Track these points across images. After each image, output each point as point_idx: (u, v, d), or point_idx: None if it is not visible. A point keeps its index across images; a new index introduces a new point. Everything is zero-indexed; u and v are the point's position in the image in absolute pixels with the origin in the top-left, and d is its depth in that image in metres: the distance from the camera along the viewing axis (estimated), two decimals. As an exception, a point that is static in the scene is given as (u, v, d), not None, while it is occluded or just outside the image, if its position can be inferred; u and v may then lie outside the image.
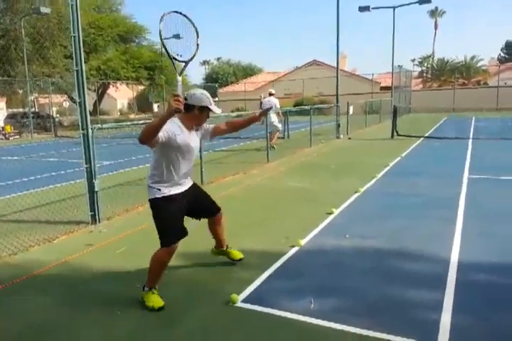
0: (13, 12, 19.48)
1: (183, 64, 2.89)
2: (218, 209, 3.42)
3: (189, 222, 3.19)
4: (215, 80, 45.96)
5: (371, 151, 10.72)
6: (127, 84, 29.90)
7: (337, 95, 14.56)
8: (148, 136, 2.56)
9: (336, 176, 7.43)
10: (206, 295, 3.10)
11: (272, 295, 3.05)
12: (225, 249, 3.62)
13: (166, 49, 2.74)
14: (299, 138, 13.54)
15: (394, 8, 20.10)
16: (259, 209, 5.41)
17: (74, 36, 4.57)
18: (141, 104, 43.41)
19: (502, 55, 50.44)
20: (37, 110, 25.91)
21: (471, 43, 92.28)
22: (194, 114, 2.90)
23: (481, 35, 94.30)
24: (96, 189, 4.99)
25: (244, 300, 2.98)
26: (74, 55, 4.60)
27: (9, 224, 5.06)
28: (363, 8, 19.10)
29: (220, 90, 42.31)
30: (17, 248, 4.21)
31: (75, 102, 25.56)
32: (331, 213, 5.02)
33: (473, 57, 40.28)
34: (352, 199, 5.74)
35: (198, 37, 2.94)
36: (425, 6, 19.49)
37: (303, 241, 4.09)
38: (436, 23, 53.81)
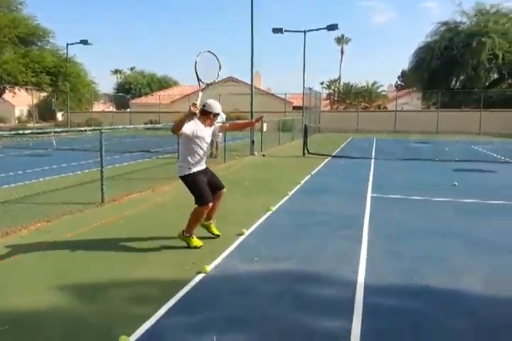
0: None
1: (205, 85, 4.42)
2: (223, 186, 4.71)
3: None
4: (127, 90, 44.18)
5: (284, 168, 10.86)
6: (26, 89, 27.24)
7: (251, 112, 14.69)
8: (176, 129, 4.06)
9: (249, 194, 7.29)
10: (90, 339, 2.61)
11: (169, 335, 2.68)
12: (210, 222, 4.69)
13: (197, 73, 4.29)
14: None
15: (305, 32, 21.16)
16: (164, 230, 4.99)
17: None
18: (44, 111, 39.93)
19: (399, 82, 56.10)
20: None
21: (373, 70, 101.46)
22: (209, 117, 4.40)
23: (381, 63, 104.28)
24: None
25: (138, 343, 2.57)
26: None
27: None
28: (277, 30, 19.79)
29: (133, 101, 40.72)
30: None
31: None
32: (241, 234, 4.79)
33: (374, 83, 44.15)
34: (264, 218, 5.59)
35: (220, 69, 4.49)
36: (333, 33, 20.87)
37: (209, 267, 3.78)
38: (342, 49, 58.23)
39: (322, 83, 52.87)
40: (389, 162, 12.08)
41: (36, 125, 30.09)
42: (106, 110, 40.06)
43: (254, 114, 14.72)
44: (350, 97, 42.18)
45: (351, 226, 5.22)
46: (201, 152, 4.41)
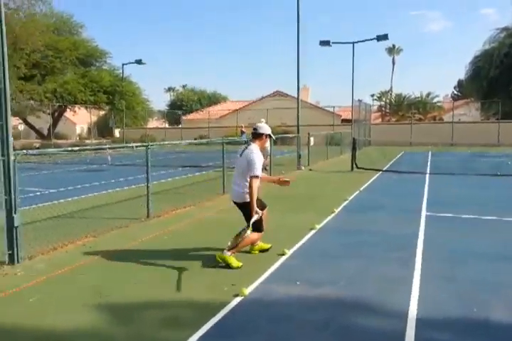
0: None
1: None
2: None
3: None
4: (179, 107, 45.69)
5: (331, 184, 10.52)
6: (86, 107, 28.98)
7: (298, 125, 14.52)
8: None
9: (294, 210, 7.07)
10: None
11: (201, 365, 2.52)
12: (254, 245, 4.70)
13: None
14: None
15: (353, 43, 20.82)
16: (204, 248, 4.89)
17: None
18: (102, 128, 42.19)
19: (455, 92, 53.63)
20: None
21: (427, 80, 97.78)
22: (264, 140, 4.70)
23: (436, 73, 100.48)
24: (16, 224, 4.34)
25: (167, 373, 2.43)
26: (-4, 72, 4.06)
27: None
28: (324, 43, 19.61)
29: (184, 117, 42.01)
30: None
31: (27, 125, 24.43)
32: (283, 254, 4.58)
33: (428, 94, 42.45)
34: (307, 237, 5.34)
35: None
36: (383, 43, 20.37)
37: (248, 290, 3.60)
38: (393, 59, 56.81)
39: (373, 95, 51.69)
40: (446, 177, 11.35)
41: (94, 141, 31.82)
42: (159, 126, 41.63)
43: (301, 128, 14.56)
44: (402, 109, 40.75)
45: (403, 248, 4.84)
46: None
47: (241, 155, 4.51)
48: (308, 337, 2.85)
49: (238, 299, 3.44)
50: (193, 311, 3.25)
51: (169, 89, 66.59)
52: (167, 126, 41.35)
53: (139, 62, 25.98)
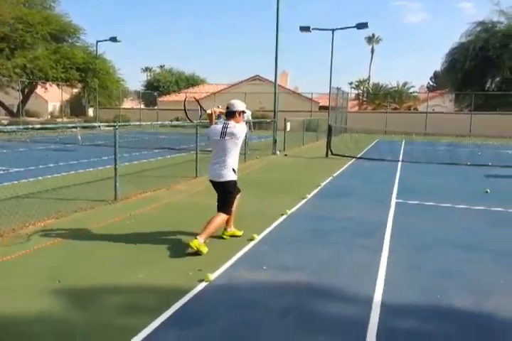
0: None
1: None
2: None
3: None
4: (155, 88, 44.59)
5: (305, 169, 10.51)
6: (58, 85, 27.84)
7: (275, 110, 14.38)
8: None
9: (266, 195, 7.00)
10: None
11: (159, 353, 2.43)
12: (227, 230, 4.60)
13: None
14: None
15: (333, 30, 20.61)
16: (171, 232, 4.77)
17: None
18: (76, 107, 40.79)
19: (431, 83, 54.41)
20: None
21: (404, 70, 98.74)
22: (237, 117, 4.45)
23: (413, 64, 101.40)
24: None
25: (122, 361, 2.34)
26: None
27: None
28: (304, 28, 19.31)
29: (161, 99, 41.07)
30: None
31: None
32: (251, 239, 4.51)
33: (405, 84, 42.93)
34: (277, 222, 5.30)
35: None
36: (363, 32, 20.27)
37: (214, 275, 3.52)
38: (372, 49, 56.93)
39: (351, 83, 51.77)
40: (417, 165, 11.53)
41: (66, 120, 30.73)
42: (134, 107, 40.60)
43: (278, 113, 14.43)
44: (379, 98, 41.11)
45: (372, 235, 4.86)
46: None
47: (224, 136, 4.30)
48: (271, 323, 2.80)
49: (203, 284, 3.36)
50: (155, 297, 3.15)
51: (146, 69, 64.80)
52: (142, 106, 40.33)
53: (113, 39, 24.95)
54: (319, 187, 7.80)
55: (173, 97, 40.89)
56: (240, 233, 4.65)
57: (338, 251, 4.26)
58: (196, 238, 4.01)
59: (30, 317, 2.79)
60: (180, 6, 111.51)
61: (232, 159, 4.34)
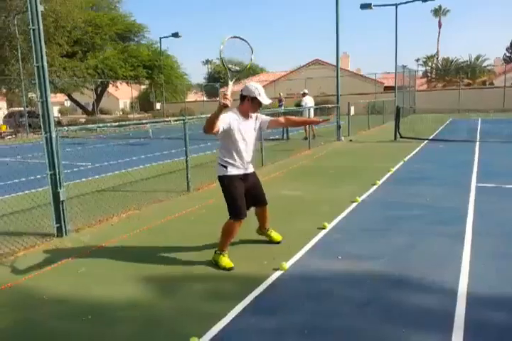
0: (6, 10, 19.02)
1: (236, 73, 3.44)
2: (265, 202, 3.90)
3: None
4: (216, 80, 45.41)
5: (373, 155, 10.16)
6: (127, 83, 29.41)
7: (337, 95, 13.99)
8: (208, 128, 3.20)
9: (334, 182, 6.89)
10: (161, 339, 2.56)
11: (241, 339, 2.52)
12: (266, 230, 4.10)
13: (223, 63, 3.31)
14: (298, 140, 13.01)
15: (396, 5, 19.48)
16: (244, 221, 4.87)
17: (33, 29, 4.06)
18: (144, 103, 42.90)
19: (507, 54, 49.60)
20: (33, 109, 25.48)
21: (476, 43, 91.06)
22: (248, 104, 3.50)
23: (485, 35, 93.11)
24: (62, 198, 4.48)
25: (208, 346, 2.45)
26: (34, 50, 4.09)
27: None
28: (365, 6, 18.45)
29: (222, 89, 41.79)
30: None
31: (73, 101, 25.23)
32: (323, 228, 4.48)
33: (478, 57, 39.62)
34: (348, 210, 5.20)
35: (252, 53, 3.52)
36: (429, 4, 18.89)
37: (288, 264, 3.56)
38: (439, 21, 53.01)
39: (418, 60, 49.00)
40: (497, 145, 10.65)
41: (136, 116, 32.48)
42: (198, 99, 41.74)
43: (340, 97, 14.03)
44: (450, 74, 38.34)
45: (451, 222, 4.59)
46: (243, 150, 3.57)
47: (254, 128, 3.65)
48: (351, 313, 2.78)
49: (278, 273, 3.40)
50: (233, 284, 3.26)
51: (206, 62, 66.07)
52: (205, 99, 41.38)
53: (175, 35, 25.79)
54: (390, 173, 7.50)
55: (234, 88, 41.38)
56: (278, 238, 4.07)
57: (416, 240, 4.09)
58: (215, 252, 3.67)
59: (116, 304, 3.02)
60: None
61: (220, 150, 3.65)
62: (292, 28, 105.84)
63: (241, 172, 3.61)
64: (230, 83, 3.25)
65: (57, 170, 4.38)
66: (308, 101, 13.74)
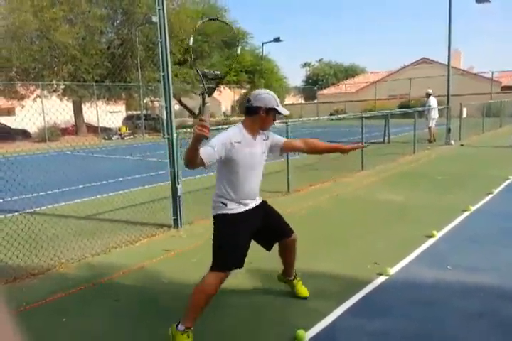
0: (129, 23, 21.35)
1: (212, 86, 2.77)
2: (291, 232, 2.94)
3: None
4: (315, 82, 45.38)
5: (488, 161, 9.32)
6: (229, 87, 30.94)
7: (448, 95, 13.07)
8: (189, 163, 2.31)
9: (442, 190, 6.50)
10: (268, 327, 2.73)
11: (346, 338, 2.57)
12: (292, 279, 3.14)
13: (197, 71, 2.51)
14: (400, 144, 12.46)
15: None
16: (345, 225, 4.88)
17: (160, 41, 4.57)
18: (243, 106, 44.65)
19: None
20: (149, 112, 28.15)
21: None
22: (260, 117, 2.59)
23: None
24: (179, 193, 4.97)
25: (313, 340, 2.55)
26: (160, 60, 4.61)
27: (97, 224, 5.28)
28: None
29: (320, 92, 41.63)
30: (100, 248, 4.33)
31: (182, 105, 27.26)
32: (431, 236, 4.29)
33: None
34: (459, 219, 4.89)
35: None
36: None
37: (392, 270, 3.50)
38: None
39: (545, 55, 43.13)
40: None
41: (237, 118, 33.95)
42: (295, 102, 42.22)
43: (452, 98, 13.09)
44: None
45: None
46: (249, 181, 2.64)
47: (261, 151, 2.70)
48: (457, 325, 2.66)
49: (382, 278, 3.37)
50: (338, 285, 3.31)
51: (305, 65, 66.28)
52: (303, 101, 41.62)
53: (277, 40, 26.46)
54: (508, 181, 6.83)
55: (333, 90, 40.97)
56: (305, 294, 3.09)
57: (539, 255, 3.71)
58: (172, 325, 2.55)
59: (230, 291, 3.26)
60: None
61: (217, 183, 2.69)
62: (396, 24, 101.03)
63: (251, 206, 2.71)
64: (207, 102, 2.25)
65: (176, 168, 4.87)
66: (433, 103, 13.15)
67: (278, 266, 3.18)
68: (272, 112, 2.60)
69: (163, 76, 4.65)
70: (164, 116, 4.73)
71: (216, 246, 2.60)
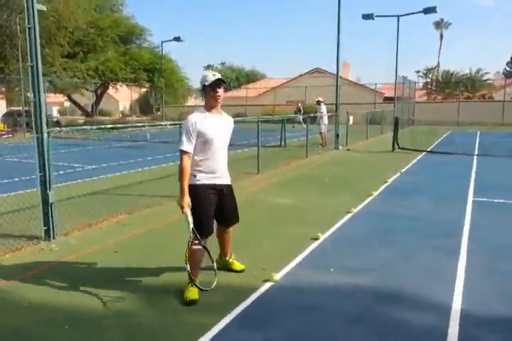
0: (8, 8, 18.99)
1: None
2: (233, 222, 3.42)
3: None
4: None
5: (370, 165, 10.11)
6: (127, 85, 29.39)
7: (336, 103, 14.00)
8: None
9: (329, 192, 6.81)
10: (145, 349, 2.47)
11: (226, 354, 2.42)
12: (227, 258, 3.55)
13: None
14: (295, 148, 12.95)
15: (398, 16, 19.56)
16: (235, 230, 4.77)
17: (29, 28, 4.00)
18: (144, 106, 42.87)
19: (507, 69, 49.96)
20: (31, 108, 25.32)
21: (476, 56, 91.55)
22: (207, 94, 3.07)
23: (486, 49, 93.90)
24: (51, 200, 4.39)
25: (191, 360, 2.36)
26: (28, 49, 4.03)
27: None
28: (367, 16, 18.53)
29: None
30: None
31: (72, 102, 25.16)
32: (316, 238, 4.39)
33: (478, 70, 39.82)
34: (343, 221, 5.12)
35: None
36: (431, 17, 18.99)
37: (279, 275, 3.47)
38: (441, 34, 53.48)
39: (418, 72, 49.23)
40: (495, 160, 10.62)
41: (135, 118, 32.43)
42: (198, 104, 41.82)
43: (340, 106, 14.03)
44: (450, 86, 38.48)
45: (446, 236, 4.52)
46: (213, 155, 3.09)
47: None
48: (340, 327, 2.69)
49: (268, 284, 3.31)
50: (222, 295, 3.15)
51: (208, 67, 66.31)
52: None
53: (177, 39, 25.81)
54: (386, 184, 7.44)
55: (234, 93, 41.48)
56: (240, 267, 3.54)
57: (409, 253, 4.01)
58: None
59: (105, 311, 2.92)
60: (238, 1, 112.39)
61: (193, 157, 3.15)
62: (294, 35, 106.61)
63: (215, 182, 3.11)
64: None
65: (47, 172, 4.29)
66: (324, 109, 13.91)
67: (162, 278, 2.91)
68: (209, 88, 3.02)
69: (32, 67, 4.06)
70: (33, 112, 4.14)
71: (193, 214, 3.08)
